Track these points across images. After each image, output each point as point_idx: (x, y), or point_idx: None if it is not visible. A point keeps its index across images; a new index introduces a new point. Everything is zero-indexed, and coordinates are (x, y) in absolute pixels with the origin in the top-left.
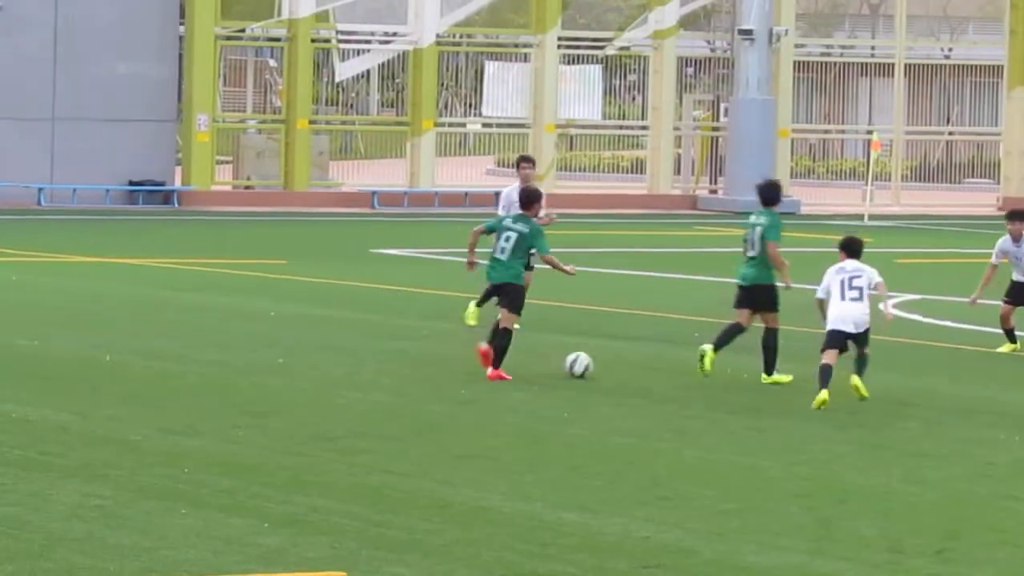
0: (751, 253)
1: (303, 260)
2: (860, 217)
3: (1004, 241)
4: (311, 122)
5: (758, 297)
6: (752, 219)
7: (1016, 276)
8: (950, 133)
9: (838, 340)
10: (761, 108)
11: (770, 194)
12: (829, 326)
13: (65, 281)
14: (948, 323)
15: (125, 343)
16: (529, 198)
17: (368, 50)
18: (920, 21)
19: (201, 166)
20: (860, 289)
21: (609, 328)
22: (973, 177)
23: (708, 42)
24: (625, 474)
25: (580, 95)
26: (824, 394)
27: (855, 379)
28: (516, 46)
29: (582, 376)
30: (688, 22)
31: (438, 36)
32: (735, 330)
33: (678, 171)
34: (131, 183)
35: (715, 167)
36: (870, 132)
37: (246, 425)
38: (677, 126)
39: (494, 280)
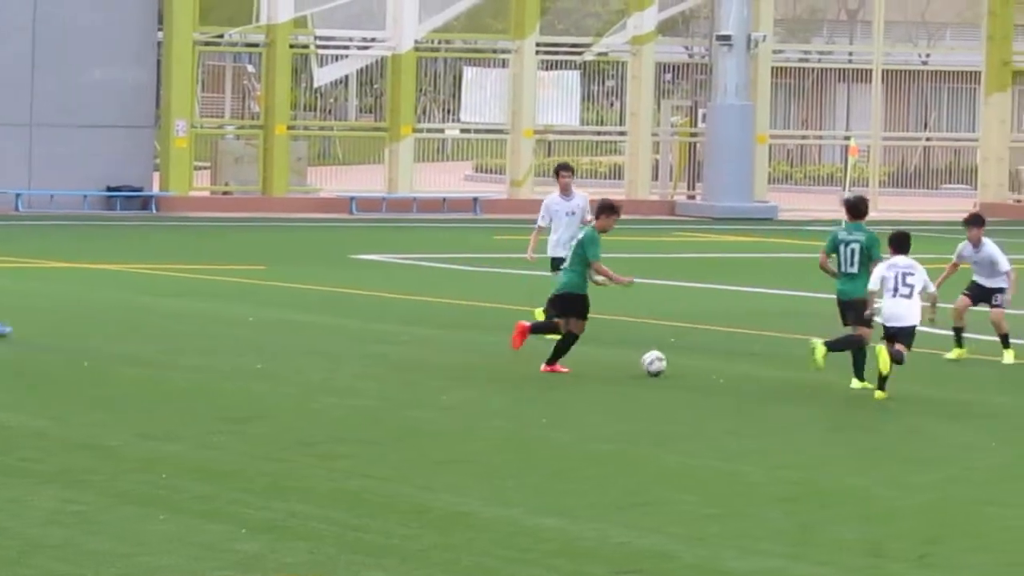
0: (851, 269)
1: (281, 265)
2: (838, 223)
3: (964, 247)
4: (289, 128)
5: (856, 309)
6: (842, 235)
7: (977, 279)
8: (927, 139)
9: (891, 335)
10: (739, 114)
11: (861, 208)
12: (883, 322)
13: (43, 287)
14: (924, 328)
15: (104, 348)
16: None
17: (347, 56)
18: (898, 27)
19: (179, 172)
20: (911, 287)
21: (590, 333)
22: (950, 183)
23: (686, 48)
24: (606, 480)
25: (558, 101)
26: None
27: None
28: (494, 52)
29: (657, 375)
30: (666, 28)
31: (416, 42)
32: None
33: (656, 177)
34: (109, 189)
35: (693, 173)
36: (848, 138)
37: (225, 431)
38: (655, 132)
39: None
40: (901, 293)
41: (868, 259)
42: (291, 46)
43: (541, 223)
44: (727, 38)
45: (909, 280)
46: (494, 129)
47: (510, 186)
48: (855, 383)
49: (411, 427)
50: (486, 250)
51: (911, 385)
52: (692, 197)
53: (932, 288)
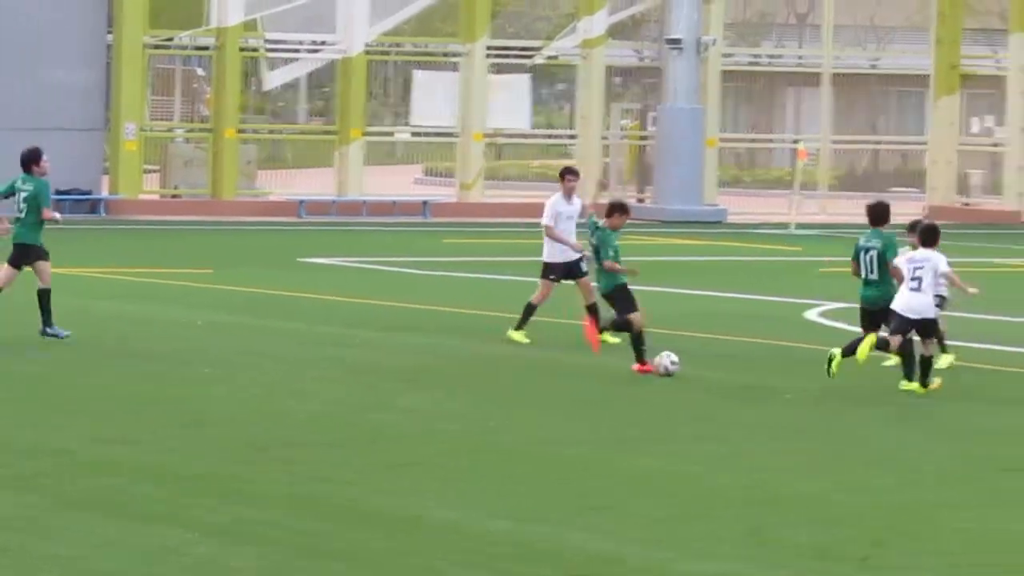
0: (872, 276)
1: (230, 269)
2: (786, 226)
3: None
4: (239, 131)
5: (882, 317)
6: (862, 242)
7: None
8: (877, 142)
9: (901, 326)
10: (689, 117)
11: (881, 214)
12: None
13: None
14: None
15: (54, 353)
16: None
17: (297, 59)
18: (847, 31)
19: (128, 175)
20: (919, 280)
21: (548, 337)
22: (899, 186)
23: (636, 51)
24: (563, 483)
25: (508, 104)
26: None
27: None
28: (445, 55)
29: (671, 375)
30: (617, 31)
31: (367, 45)
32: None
33: (606, 179)
34: (58, 192)
35: (643, 176)
36: (796, 141)
37: (180, 435)
38: (605, 135)
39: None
40: (910, 286)
41: (885, 263)
42: (241, 49)
43: (549, 222)
44: (677, 42)
45: (918, 273)
46: (444, 132)
47: (460, 189)
48: (904, 384)
49: (366, 430)
50: (435, 253)
51: (859, 389)
52: (642, 200)
53: (943, 269)
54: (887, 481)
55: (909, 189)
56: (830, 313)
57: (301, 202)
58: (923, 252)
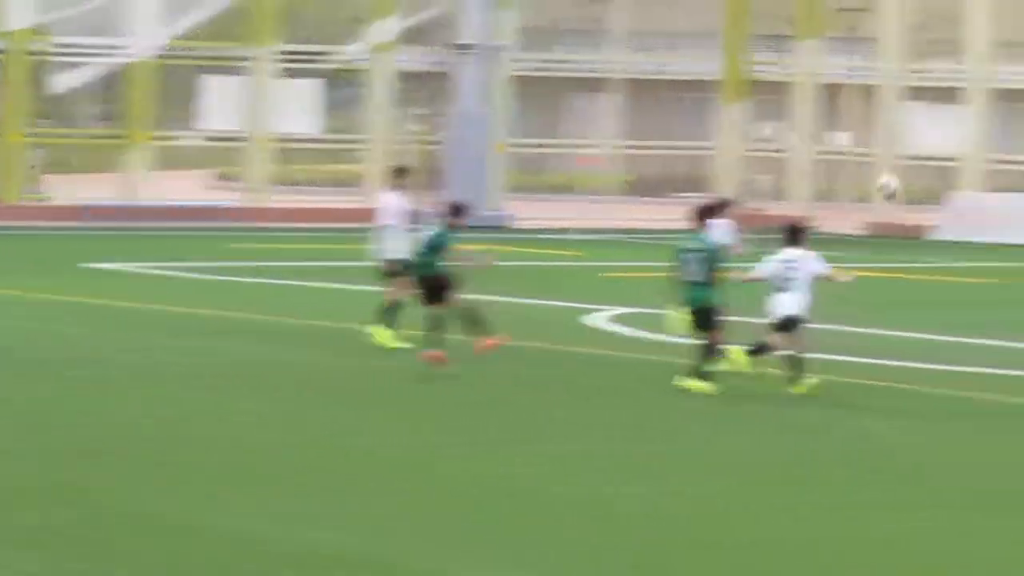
0: (696, 278)
1: (10, 274)
2: (565, 231)
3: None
4: (25, 135)
5: (705, 318)
6: (685, 245)
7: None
8: (665, 147)
9: (778, 326)
10: (477, 122)
11: (705, 214)
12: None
13: None
14: (649, 334)
15: None
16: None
17: (86, 63)
18: (638, 37)
19: None
20: (791, 280)
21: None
22: (687, 191)
23: (427, 56)
24: (352, 487)
25: (299, 109)
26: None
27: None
28: (235, 59)
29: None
30: (408, 37)
31: (157, 49)
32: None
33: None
34: None
35: (432, 180)
36: (586, 147)
37: None
38: (395, 140)
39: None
40: (782, 287)
41: (713, 266)
42: (29, 53)
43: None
44: (467, 47)
45: (790, 274)
46: (233, 137)
47: (248, 194)
48: (690, 383)
49: (139, 436)
50: (222, 258)
51: (639, 395)
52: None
53: (820, 270)
54: (647, 489)
55: (697, 194)
56: (613, 318)
57: (85, 207)
58: (793, 252)
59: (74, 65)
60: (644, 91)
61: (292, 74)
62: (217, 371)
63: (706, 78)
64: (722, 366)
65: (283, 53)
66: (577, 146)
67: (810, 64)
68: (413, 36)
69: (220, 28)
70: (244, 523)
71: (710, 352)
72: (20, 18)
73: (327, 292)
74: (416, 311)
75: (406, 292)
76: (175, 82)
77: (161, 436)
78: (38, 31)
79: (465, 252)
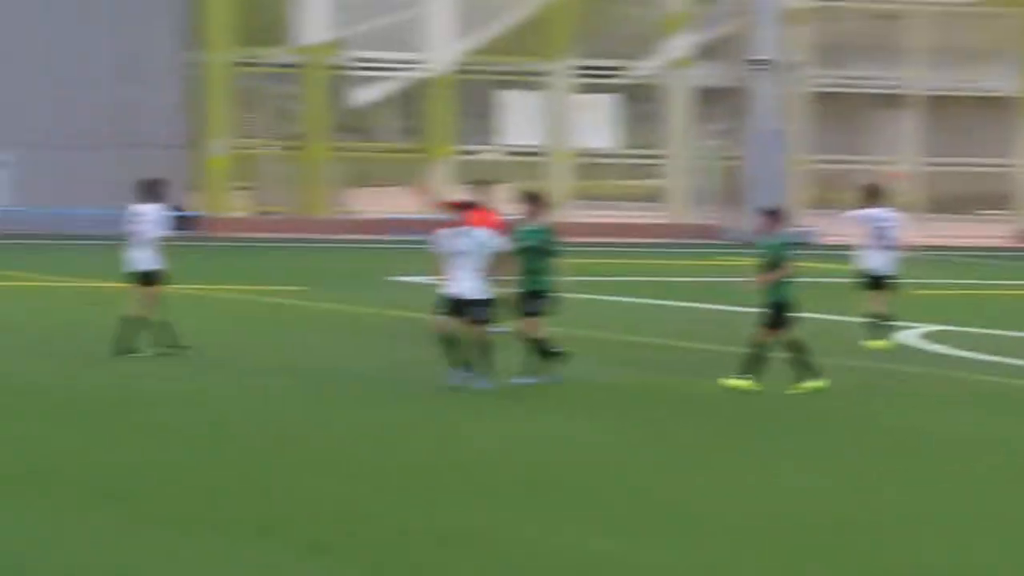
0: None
1: (322, 287)
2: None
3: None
4: (328, 149)
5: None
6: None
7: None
8: (964, 165)
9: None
10: (775, 138)
11: (535, 199)
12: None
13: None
14: (963, 352)
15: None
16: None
17: (383, 77)
18: (935, 54)
19: (217, 193)
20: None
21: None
22: (987, 209)
23: (723, 72)
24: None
25: (597, 124)
26: None
27: None
28: (531, 74)
29: None
30: (704, 53)
31: (454, 63)
32: None
33: (696, 200)
34: None
35: (731, 197)
36: (885, 164)
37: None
38: (693, 155)
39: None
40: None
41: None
42: (328, 67)
43: None
44: (762, 62)
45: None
46: (532, 152)
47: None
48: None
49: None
50: None
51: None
52: (730, 222)
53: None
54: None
55: (997, 211)
56: (929, 335)
57: (388, 220)
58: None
59: (372, 79)
60: (943, 108)
61: (588, 89)
62: (557, 392)
63: (1006, 95)
64: None
65: (579, 68)
66: (877, 163)
67: None
68: (708, 52)
69: (515, 43)
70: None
71: None
72: (317, 33)
73: (645, 308)
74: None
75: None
76: (471, 96)
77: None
78: (335, 46)
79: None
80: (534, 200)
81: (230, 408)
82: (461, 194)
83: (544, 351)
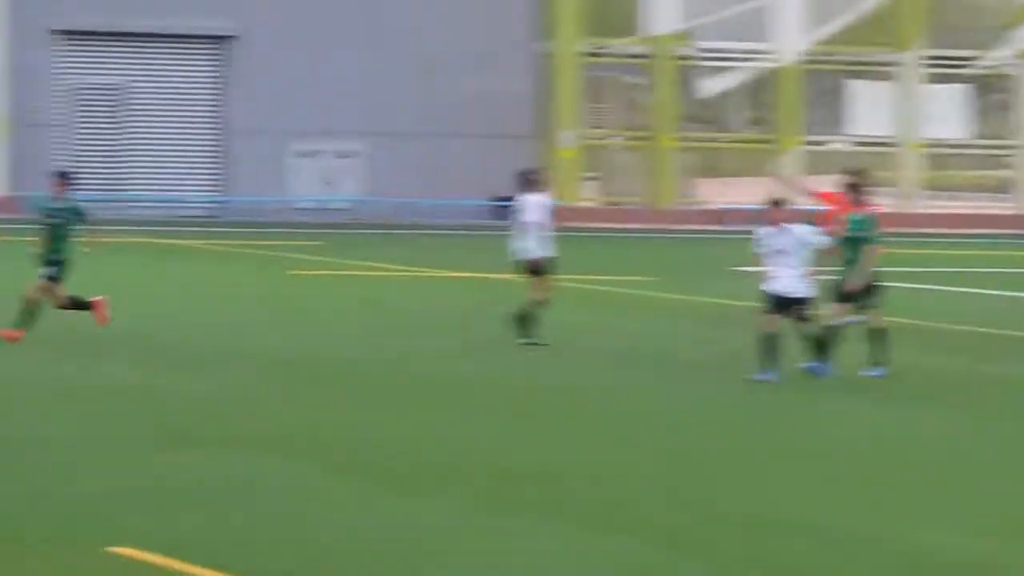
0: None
1: (672, 278)
2: None
3: None
4: (675, 140)
5: None
6: None
7: None
8: None
9: None
10: None
11: None
12: None
13: (415, 296)
14: None
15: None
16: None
17: (730, 68)
18: None
19: (567, 182)
20: None
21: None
22: None
23: None
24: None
25: (947, 114)
26: None
27: None
28: (879, 65)
29: None
30: None
31: (801, 54)
32: None
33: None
34: (498, 199)
35: None
36: None
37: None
38: None
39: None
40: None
41: None
42: (674, 58)
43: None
44: None
45: None
46: (881, 142)
47: (897, 199)
48: None
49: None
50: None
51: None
52: None
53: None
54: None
55: None
56: None
57: (731, 211)
58: None
59: (719, 69)
60: None
61: (938, 79)
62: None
63: None
64: None
65: (930, 58)
66: None
67: None
68: None
69: (864, 33)
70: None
71: None
72: (666, 23)
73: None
74: None
75: None
76: (819, 86)
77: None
78: (683, 36)
79: None
80: (855, 188)
81: (604, 398)
82: (830, 184)
83: (828, 342)
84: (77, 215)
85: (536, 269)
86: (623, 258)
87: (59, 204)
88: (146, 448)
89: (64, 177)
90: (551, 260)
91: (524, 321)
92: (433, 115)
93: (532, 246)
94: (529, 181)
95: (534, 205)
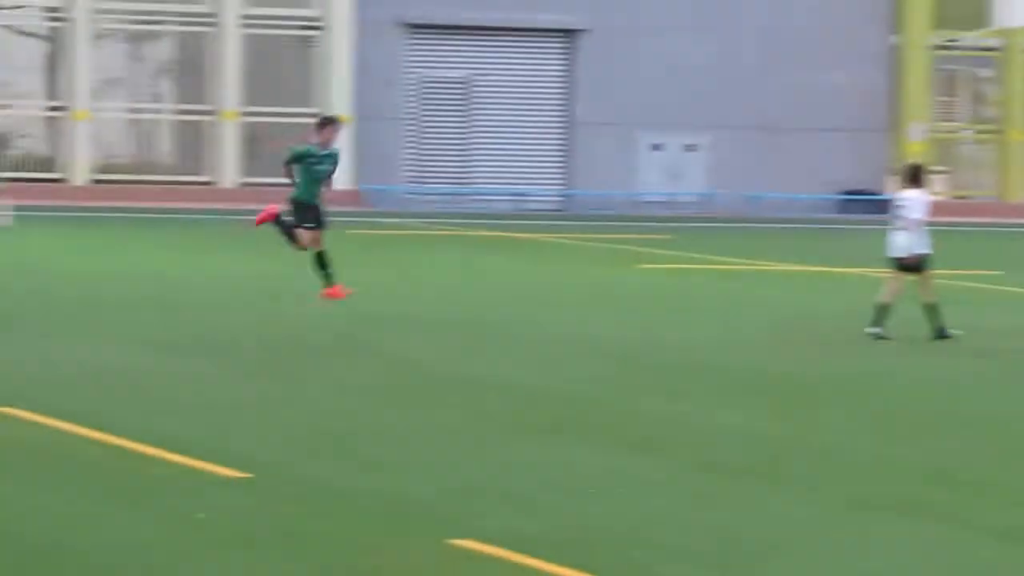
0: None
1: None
2: None
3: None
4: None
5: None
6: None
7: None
8: None
9: None
10: None
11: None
12: None
13: (763, 291)
14: None
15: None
16: None
17: None
18: None
19: None
20: None
21: None
22: None
23: None
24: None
25: None
26: None
27: None
28: None
29: None
30: None
31: None
32: None
33: None
34: (846, 192)
35: None
36: None
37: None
38: None
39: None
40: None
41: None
42: None
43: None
44: None
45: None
46: None
47: None
48: None
49: None
50: None
51: None
52: None
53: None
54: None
55: None
56: None
57: None
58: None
59: None
60: None
61: None
62: None
63: None
64: None
65: None
66: None
67: None
68: None
69: None
70: None
71: None
72: (1019, 16)
73: None
74: None
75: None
76: None
77: None
78: None
79: None
80: (914, 177)
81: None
82: None
83: None
84: (335, 163)
85: (913, 266)
86: (970, 252)
87: (324, 151)
88: (503, 438)
89: (330, 122)
90: (928, 257)
91: (882, 313)
92: (778, 108)
93: (911, 242)
94: (914, 177)
95: (917, 201)
